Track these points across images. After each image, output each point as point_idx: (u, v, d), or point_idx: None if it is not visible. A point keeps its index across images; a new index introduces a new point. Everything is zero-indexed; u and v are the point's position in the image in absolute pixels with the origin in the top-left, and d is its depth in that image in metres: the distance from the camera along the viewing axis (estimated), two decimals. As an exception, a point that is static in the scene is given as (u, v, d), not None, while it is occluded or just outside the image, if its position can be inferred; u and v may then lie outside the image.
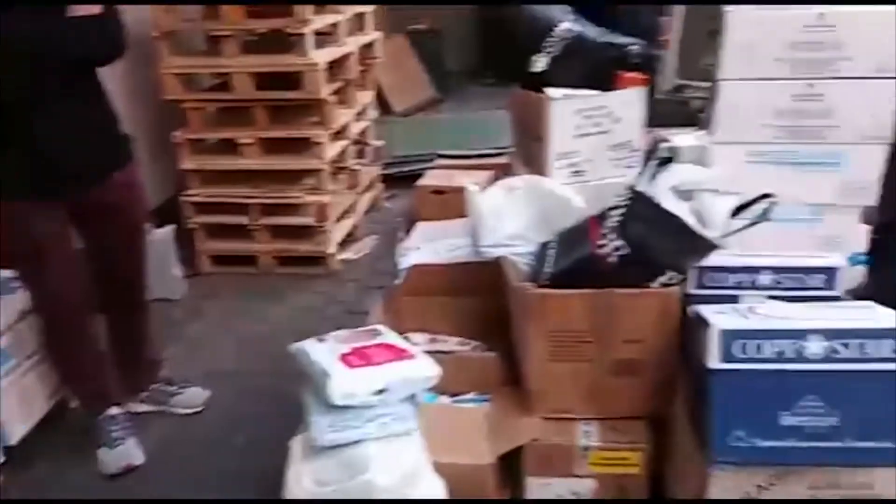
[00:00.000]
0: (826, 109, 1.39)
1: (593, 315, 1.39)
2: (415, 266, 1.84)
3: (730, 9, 1.43)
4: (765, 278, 1.50)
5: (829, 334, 1.12)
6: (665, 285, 1.36)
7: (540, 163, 1.69)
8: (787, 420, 1.13)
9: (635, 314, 1.37)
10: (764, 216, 1.31)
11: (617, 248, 1.32)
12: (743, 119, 1.44)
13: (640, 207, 1.31)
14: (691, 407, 1.30)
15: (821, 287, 1.48)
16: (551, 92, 1.67)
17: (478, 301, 1.74)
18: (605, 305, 1.38)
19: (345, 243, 3.03)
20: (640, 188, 1.33)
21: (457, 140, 3.67)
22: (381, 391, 1.25)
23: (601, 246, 1.36)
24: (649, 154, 1.37)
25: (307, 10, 2.62)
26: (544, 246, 1.55)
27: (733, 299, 1.47)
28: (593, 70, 1.74)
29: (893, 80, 1.36)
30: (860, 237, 1.55)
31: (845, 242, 1.51)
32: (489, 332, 1.68)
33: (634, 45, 1.75)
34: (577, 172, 1.67)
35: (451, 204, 2.65)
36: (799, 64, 1.38)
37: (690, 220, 1.30)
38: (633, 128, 1.66)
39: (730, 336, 1.15)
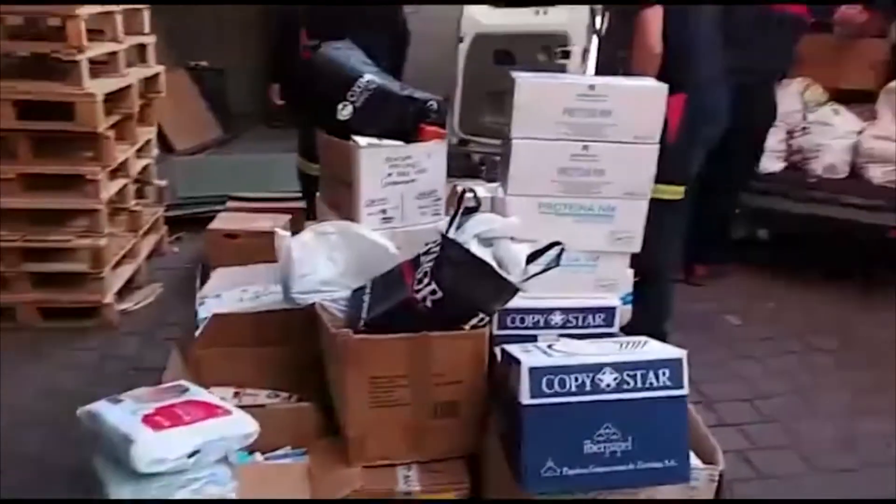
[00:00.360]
0: (599, 168, 1.59)
1: (410, 359, 1.43)
2: (216, 315, 1.75)
3: (518, 76, 1.59)
4: (556, 318, 1.67)
5: (618, 367, 1.27)
6: (475, 327, 1.45)
7: (349, 208, 1.72)
8: (589, 448, 1.25)
9: (450, 356, 1.44)
10: (556, 262, 1.45)
11: (433, 293, 1.39)
12: (533, 174, 1.59)
13: (452, 253, 1.38)
14: (506, 443, 1.38)
15: (602, 325, 1.69)
16: (360, 140, 1.71)
17: (287, 350, 1.69)
18: (421, 349, 1.42)
19: (123, 292, 2.76)
20: (450, 235, 1.40)
21: (246, 182, 3.55)
22: (194, 453, 1.17)
23: (417, 291, 1.41)
24: (458, 203, 1.45)
25: (82, 36, 2.40)
26: (359, 292, 1.57)
27: (532, 338, 1.62)
28: (395, 122, 1.81)
29: (651, 146, 1.61)
30: (628, 280, 1.79)
31: (617, 285, 1.73)
32: (301, 382, 1.64)
33: (432, 100, 1.86)
34: (386, 219, 1.72)
35: (246, 248, 2.57)
36: (575, 127, 1.57)
37: (496, 266, 1.40)
38: (437, 178, 1.76)
39: (538, 373, 1.26)
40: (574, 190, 1.60)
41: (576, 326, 1.67)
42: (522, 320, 1.63)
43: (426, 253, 1.48)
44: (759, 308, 2.97)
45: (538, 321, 1.66)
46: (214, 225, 2.88)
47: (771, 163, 3.35)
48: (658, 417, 1.28)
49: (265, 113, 5.03)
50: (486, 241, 1.46)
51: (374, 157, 1.67)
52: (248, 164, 4.12)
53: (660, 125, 1.61)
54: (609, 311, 1.67)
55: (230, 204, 3.19)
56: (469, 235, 1.44)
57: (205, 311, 1.80)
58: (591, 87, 1.56)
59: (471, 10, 3.82)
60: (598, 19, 3.72)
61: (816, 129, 3.32)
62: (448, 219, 1.45)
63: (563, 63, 3.73)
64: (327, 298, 1.59)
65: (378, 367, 1.43)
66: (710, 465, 1.40)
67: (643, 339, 1.43)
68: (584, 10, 3.69)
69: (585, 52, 3.78)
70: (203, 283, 2.11)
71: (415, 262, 1.49)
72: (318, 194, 2.02)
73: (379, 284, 1.54)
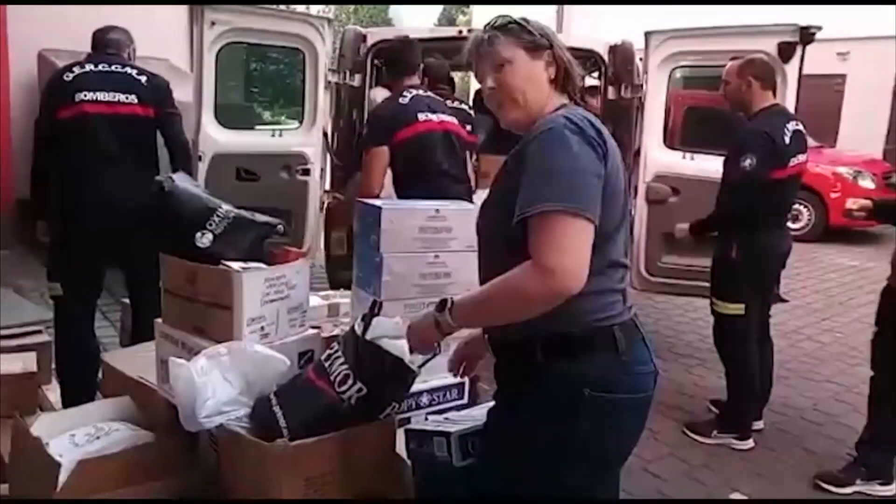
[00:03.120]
0: (447, 272, 2.00)
1: (339, 455, 1.60)
2: (81, 462, 1.65)
3: (382, 205, 1.94)
4: (424, 399, 1.99)
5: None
6: (387, 416, 1.69)
7: (225, 329, 1.81)
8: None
9: (370, 445, 1.65)
10: (438, 350, 1.79)
11: (359, 391, 1.60)
12: (400, 282, 1.92)
13: (370, 353, 1.62)
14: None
15: (457, 398, 2.05)
16: (232, 265, 1.83)
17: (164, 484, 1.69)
18: (347, 444, 1.61)
19: None
20: (367, 337, 1.64)
21: None
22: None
23: (341, 392, 1.60)
24: (371, 310, 1.69)
25: None
26: (263, 405, 1.68)
27: (406, 420, 1.91)
28: (251, 245, 1.97)
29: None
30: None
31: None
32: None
33: (279, 224, 2.07)
34: (264, 335, 1.85)
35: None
36: (427, 242, 1.96)
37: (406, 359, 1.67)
38: (304, 293, 1.95)
39: (463, 439, 1.56)
40: (431, 291, 1.97)
41: (439, 402, 2.00)
42: (400, 407, 1.90)
43: (329, 358, 1.68)
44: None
45: (411, 404, 1.95)
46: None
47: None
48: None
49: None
50: (381, 340, 1.73)
51: (254, 279, 1.81)
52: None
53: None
54: (461, 386, 2.05)
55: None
56: (372, 336, 1.69)
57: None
58: (437, 210, 1.98)
59: (207, 130, 3.97)
60: (331, 140, 4.19)
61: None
62: (361, 324, 1.68)
63: (304, 179, 4.10)
64: (232, 418, 1.66)
65: (312, 468, 1.56)
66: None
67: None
68: (319, 133, 4.14)
69: (322, 171, 4.22)
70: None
71: (320, 368, 1.68)
72: (158, 321, 2.02)
73: (286, 395, 1.68)
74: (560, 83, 1.53)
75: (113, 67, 2.93)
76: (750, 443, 3.28)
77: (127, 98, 2.88)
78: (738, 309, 3.19)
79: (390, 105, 3.19)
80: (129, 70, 2.94)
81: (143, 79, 2.93)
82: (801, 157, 3.18)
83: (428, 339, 1.54)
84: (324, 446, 1.57)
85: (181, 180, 1.96)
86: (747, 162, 2.97)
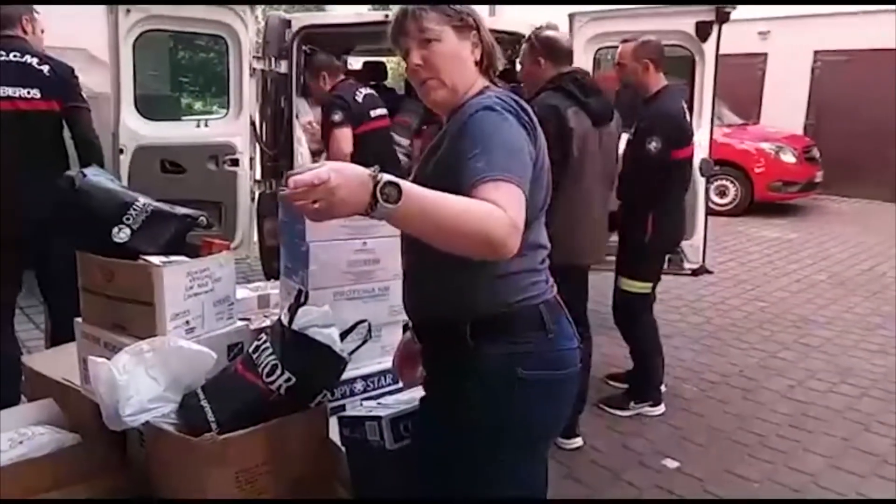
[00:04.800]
0: (376, 258, 1.99)
1: (269, 446, 1.59)
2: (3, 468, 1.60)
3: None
4: (358, 386, 2.00)
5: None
6: (318, 403, 1.69)
7: (147, 325, 1.77)
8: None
9: (301, 434, 1.64)
10: (369, 335, 1.79)
11: (287, 380, 1.59)
12: (328, 270, 1.91)
13: (298, 342, 1.62)
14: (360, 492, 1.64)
15: (391, 383, 2.06)
16: (152, 259, 1.79)
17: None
18: (277, 434, 1.60)
19: None
20: (294, 326, 1.63)
21: None
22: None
23: (269, 383, 1.60)
24: (297, 300, 1.68)
25: None
26: (191, 400, 1.65)
27: (342, 408, 1.91)
28: (172, 239, 1.93)
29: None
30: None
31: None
32: None
33: (202, 215, 2.02)
34: (190, 329, 1.82)
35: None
36: (354, 229, 1.96)
37: (335, 347, 1.68)
38: (230, 285, 1.93)
39: (395, 422, 1.58)
40: (359, 278, 1.97)
41: (374, 388, 2.01)
42: (333, 393, 1.90)
43: (257, 350, 1.67)
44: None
45: (345, 392, 1.96)
46: None
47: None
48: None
49: None
50: (310, 329, 1.72)
51: (175, 273, 1.77)
52: None
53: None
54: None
55: None
56: (298, 325, 1.69)
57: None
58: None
59: (126, 122, 3.83)
60: (259, 129, 4.11)
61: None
62: (287, 313, 1.67)
63: (233, 170, 4.02)
64: (158, 415, 1.63)
65: (242, 460, 1.55)
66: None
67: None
68: (246, 122, 4.05)
69: (252, 160, 4.13)
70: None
71: (248, 360, 1.67)
72: (78, 320, 1.96)
73: (214, 389, 1.66)
74: (484, 66, 1.51)
75: (11, 56, 2.73)
76: (661, 407, 3.44)
77: (29, 93, 2.72)
78: (646, 287, 3.31)
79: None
80: (28, 59, 2.76)
81: (46, 69, 2.76)
82: (694, 138, 3.34)
83: (344, 209, 1.15)
84: (253, 438, 1.56)
85: (94, 174, 1.90)
86: (652, 144, 3.04)
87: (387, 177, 1.15)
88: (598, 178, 2.93)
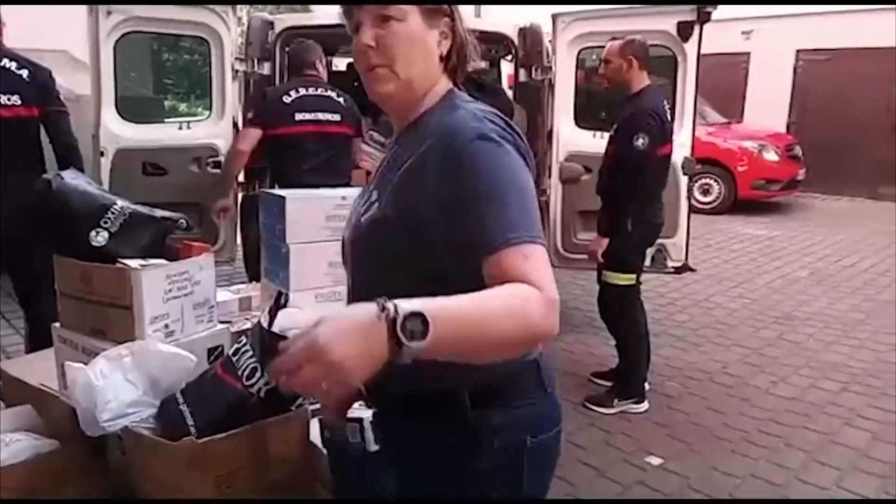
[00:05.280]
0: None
1: (247, 450, 1.58)
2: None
3: (284, 193, 1.91)
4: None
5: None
6: (299, 406, 1.68)
7: (126, 329, 1.75)
8: (421, 470, 1.61)
9: (281, 438, 1.64)
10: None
11: (268, 383, 1.58)
12: (308, 271, 1.91)
13: (275, 344, 1.60)
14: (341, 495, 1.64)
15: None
16: (129, 263, 1.78)
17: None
18: (257, 438, 1.59)
19: None
20: (274, 329, 1.63)
21: None
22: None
23: (249, 386, 1.59)
24: (276, 302, 1.68)
25: None
26: (170, 404, 1.64)
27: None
28: (151, 242, 1.91)
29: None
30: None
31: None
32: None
33: (181, 218, 2.01)
34: (169, 333, 1.81)
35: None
36: (335, 230, 1.95)
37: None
38: (210, 287, 1.91)
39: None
40: (341, 279, 1.96)
41: (356, 391, 2.01)
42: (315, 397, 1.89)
43: (237, 353, 1.66)
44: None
45: (327, 394, 1.95)
46: None
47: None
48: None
49: None
50: (288, 331, 1.72)
51: (153, 276, 1.76)
52: None
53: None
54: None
55: None
56: (279, 328, 1.68)
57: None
58: (343, 198, 1.97)
59: (107, 125, 3.81)
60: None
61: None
62: (267, 316, 1.66)
63: (215, 172, 3.99)
64: (136, 420, 1.62)
65: (221, 465, 1.54)
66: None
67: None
68: (229, 124, 4.03)
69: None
70: None
71: (228, 363, 1.66)
72: (55, 325, 1.94)
73: (193, 393, 1.65)
74: (451, 64, 1.23)
75: None
76: (645, 404, 3.47)
77: (9, 99, 2.70)
78: (629, 279, 3.36)
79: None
80: (7, 63, 2.73)
81: (25, 74, 2.74)
82: (677, 136, 3.46)
83: (357, 371, 0.88)
84: (233, 442, 1.55)
85: (71, 177, 1.88)
86: (640, 141, 3.11)
87: (404, 307, 0.87)
88: None
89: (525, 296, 0.97)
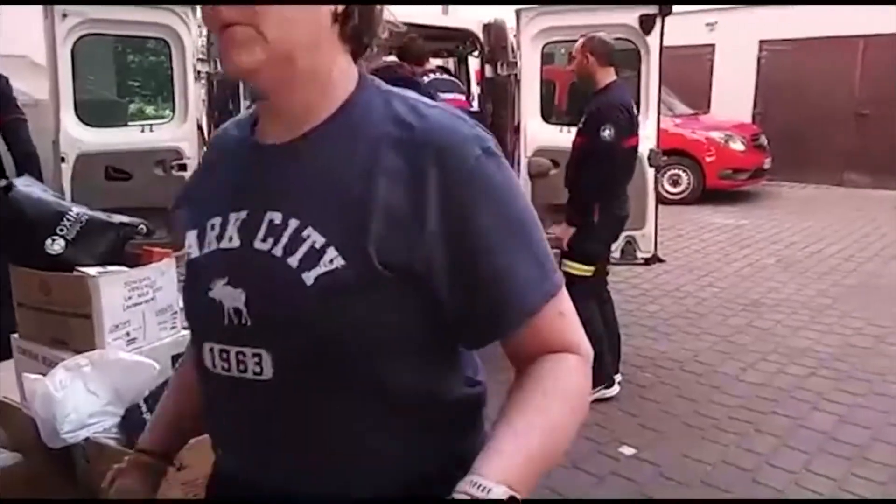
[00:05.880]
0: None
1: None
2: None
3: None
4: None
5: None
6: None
7: (87, 338, 1.73)
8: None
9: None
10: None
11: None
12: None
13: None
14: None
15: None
16: (87, 270, 1.75)
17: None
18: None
19: None
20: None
21: None
22: None
23: (213, 392, 1.57)
24: None
25: None
26: (133, 413, 1.62)
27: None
28: (109, 248, 1.88)
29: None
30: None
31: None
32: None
33: (141, 223, 1.98)
34: (131, 340, 1.78)
35: None
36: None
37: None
38: (172, 293, 1.89)
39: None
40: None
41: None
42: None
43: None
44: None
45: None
46: None
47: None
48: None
49: None
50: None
51: (112, 284, 1.73)
52: None
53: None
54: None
55: None
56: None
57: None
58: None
59: (67, 129, 3.73)
60: (207, 133, 4.04)
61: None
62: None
63: (180, 175, 3.94)
64: (98, 430, 1.59)
65: (188, 473, 1.52)
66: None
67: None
68: (193, 126, 3.98)
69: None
70: None
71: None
72: (14, 336, 1.90)
73: (156, 400, 1.62)
74: (349, 31, 0.83)
75: None
76: (616, 388, 3.52)
77: None
78: (588, 270, 3.39)
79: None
80: None
81: None
82: (641, 129, 3.51)
83: None
84: (198, 450, 1.53)
85: (24, 184, 1.84)
86: (606, 133, 3.15)
87: (494, 492, 0.71)
88: None
89: (575, 379, 0.84)
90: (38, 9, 3.58)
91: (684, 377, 3.82)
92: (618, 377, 3.58)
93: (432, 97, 4.09)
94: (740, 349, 4.20)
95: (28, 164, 2.80)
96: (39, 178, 2.91)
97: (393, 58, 3.86)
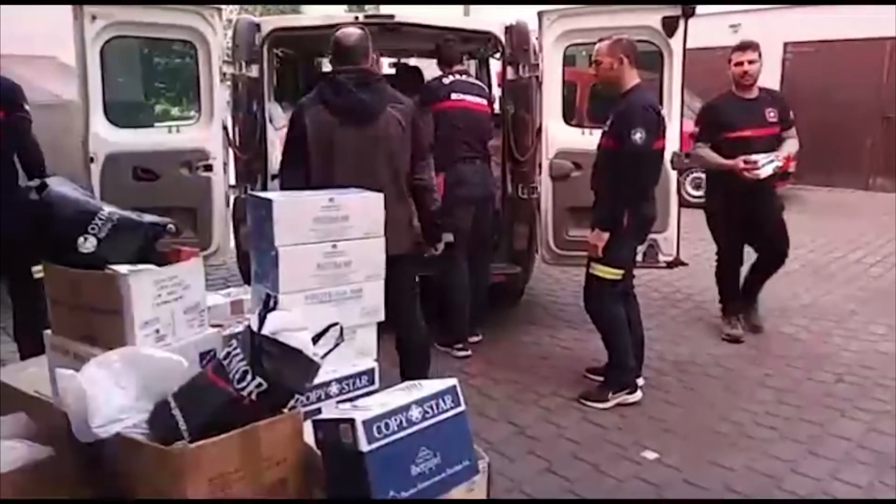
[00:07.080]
0: (347, 261, 1.99)
1: (242, 452, 1.58)
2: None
3: (271, 195, 1.91)
4: (333, 389, 1.99)
5: (420, 402, 1.67)
6: (292, 408, 1.69)
7: (117, 335, 1.75)
8: (415, 470, 1.61)
9: (275, 439, 1.64)
10: (341, 338, 1.79)
11: (258, 386, 1.58)
12: (297, 274, 1.91)
13: (268, 348, 1.61)
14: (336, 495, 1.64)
15: (367, 384, 2.06)
16: (118, 268, 1.78)
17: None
18: (250, 440, 1.59)
19: None
20: (264, 331, 1.63)
21: None
22: None
23: (240, 389, 1.59)
24: (265, 305, 1.68)
25: None
26: (163, 409, 1.64)
27: (318, 411, 1.91)
28: (139, 247, 1.91)
29: (379, 239, 2.07)
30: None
31: (372, 350, 2.13)
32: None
33: (170, 223, 2.01)
34: (160, 338, 1.81)
35: None
36: (323, 231, 1.96)
37: (304, 350, 1.67)
38: (200, 292, 1.91)
39: (369, 423, 1.58)
40: (330, 280, 1.96)
41: (349, 391, 2.01)
42: (308, 398, 1.89)
43: (228, 356, 1.66)
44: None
45: (320, 395, 1.95)
46: None
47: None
48: (451, 432, 1.71)
49: None
50: (280, 333, 1.72)
51: (142, 281, 1.76)
52: None
53: (381, 224, 2.09)
54: (370, 372, 2.06)
55: None
56: (269, 330, 1.68)
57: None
58: (331, 199, 1.97)
59: (96, 130, 3.80)
60: (232, 134, 4.09)
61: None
62: (257, 319, 1.66)
63: (207, 176, 3.99)
64: (129, 425, 1.62)
65: (214, 467, 1.54)
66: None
67: (415, 382, 1.85)
68: (219, 127, 4.02)
69: (225, 165, 4.10)
70: None
71: (219, 367, 1.66)
72: (47, 332, 1.94)
73: (185, 397, 1.65)
74: None
75: None
76: (639, 394, 3.48)
77: None
78: (617, 274, 3.36)
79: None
80: None
81: None
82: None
83: None
84: (225, 444, 1.55)
85: (57, 184, 1.88)
86: (637, 136, 3.10)
87: None
88: (357, 174, 2.57)
89: None
90: (67, 10, 3.65)
91: (708, 382, 3.78)
92: (640, 381, 3.55)
93: (448, 98, 3.96)
94: (765, 355, 4.14)
95: (32, 156, 2.93)
96: (41, 164, 3.00)
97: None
